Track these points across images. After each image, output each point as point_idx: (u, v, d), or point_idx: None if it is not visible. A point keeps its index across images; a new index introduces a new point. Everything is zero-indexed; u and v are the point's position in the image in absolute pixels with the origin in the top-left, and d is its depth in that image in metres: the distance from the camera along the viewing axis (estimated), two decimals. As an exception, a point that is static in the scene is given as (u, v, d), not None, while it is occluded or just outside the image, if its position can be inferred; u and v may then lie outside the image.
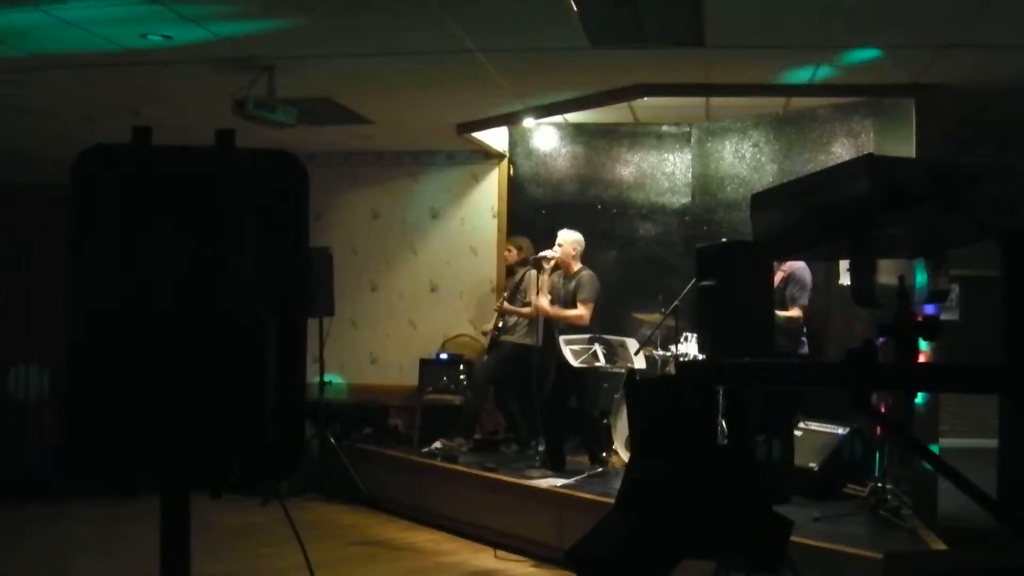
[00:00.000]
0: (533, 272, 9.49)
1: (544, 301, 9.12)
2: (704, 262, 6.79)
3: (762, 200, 3.02)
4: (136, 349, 2.36)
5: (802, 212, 2.77)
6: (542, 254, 9.18)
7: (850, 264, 2.63)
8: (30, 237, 11.33)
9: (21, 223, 11.36)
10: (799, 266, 8.24)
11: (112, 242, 2.34)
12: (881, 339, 2.51)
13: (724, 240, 7.95)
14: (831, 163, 9.64)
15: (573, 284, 9.13)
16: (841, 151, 9.60)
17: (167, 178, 2.38)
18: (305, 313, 2.45)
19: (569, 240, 9.22)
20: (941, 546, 6.39)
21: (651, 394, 3.24)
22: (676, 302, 8.30)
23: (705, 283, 6.73)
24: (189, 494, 2.53)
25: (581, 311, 8.99)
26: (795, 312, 8.14)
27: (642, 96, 8.67)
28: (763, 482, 3.12)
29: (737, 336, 6.46)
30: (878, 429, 7.37)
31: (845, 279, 9.37)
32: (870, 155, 2.56)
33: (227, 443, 2.42)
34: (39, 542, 8.55)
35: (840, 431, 8.06)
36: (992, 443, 5.56)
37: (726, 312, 6.39)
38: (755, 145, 10.35)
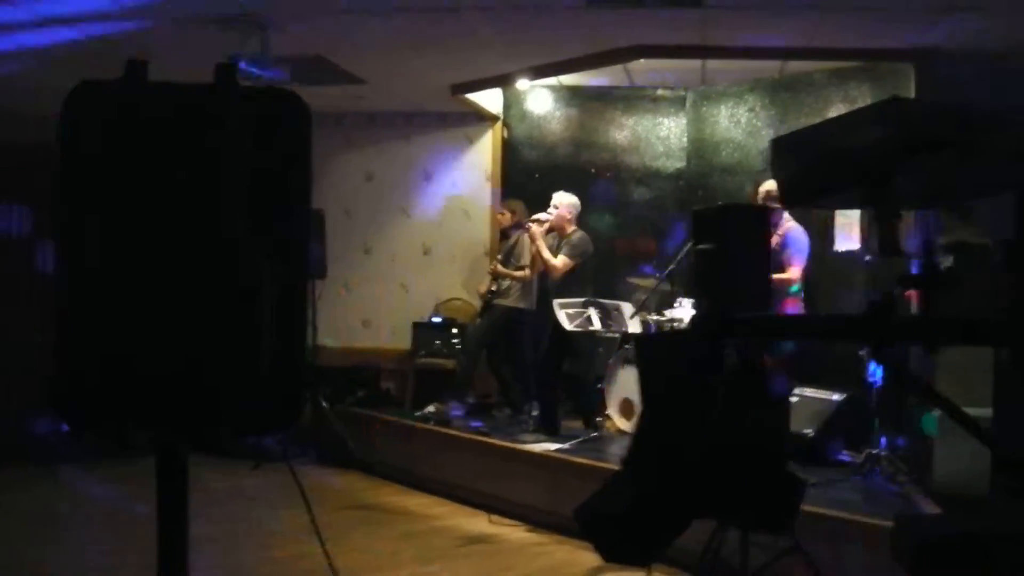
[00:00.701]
0: (526, 235, 9.40)
1: (546, 252, 9.00)
2: (701, 225, 6.70)
3: (783, 145, 2.90)
4: (128, 300, 2.24)
5: (825, 157, 2.66)
6: (536, 216, 9.11)
7: (872, 213, 2.53)
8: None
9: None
10: (796, 229, 8.17)
11: (101, 187, 2.21)
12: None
13: (721, 203, 7.87)
14: (827, 128, 9.59)
15: (564, 245, 9.04)
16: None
17: (161, 117, 2.25)
18: (307, 262, 2.34)
19: (565, 202, 9.14)
20: (935, 508, 6.36)
21: (661, 349, 3.18)
22: (671, 266, 8.21)
23: (702, 246, 6.66)
24: (187, 457, 2.43)
25: (557, 261, 8.93)
26: (791, 275, 8.05)
27: (638, 58, 8.61)
28: (779, 440, 3.04)
29: (735, 300, 6.39)
30: (873, 394, 7.33)
31: (841, 245, 9.33)
32: (895, 98, 2.46)
33: (224, 396, 2.32)
34: (37, 504, 8.46)
35: (835, 397, 8.00)
36: (986, 412, 5.55)
37: (723, 275, 6.33)
38: (751, 110, 10.28)
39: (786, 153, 2.85)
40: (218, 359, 2.26)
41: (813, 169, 2.67)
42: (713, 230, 6.51)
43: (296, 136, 2.28)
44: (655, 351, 3.16)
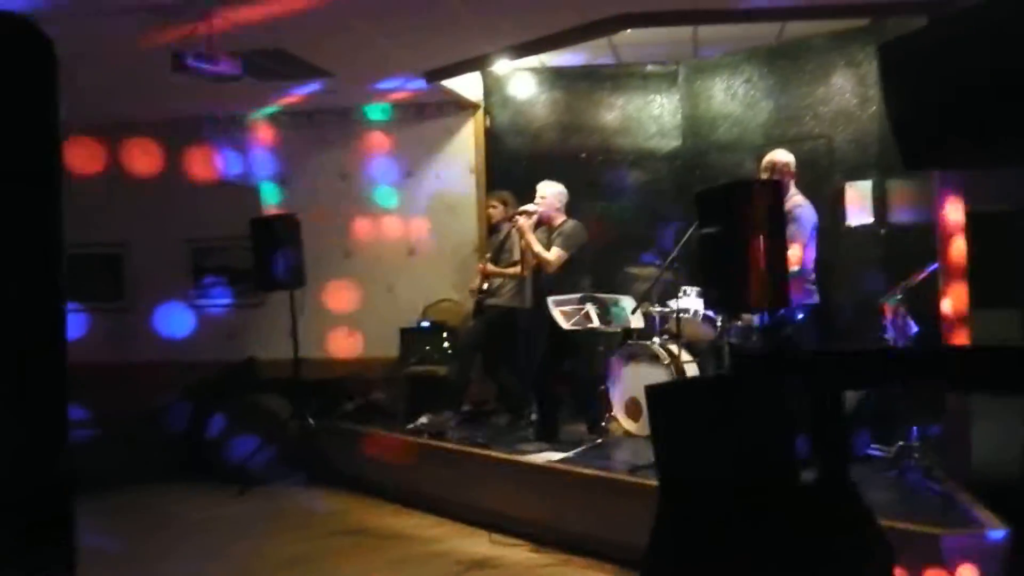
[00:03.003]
0: (515, 230, 8.75)
1: (537, 246, 8.34)
2: (706, 206, 6.11)
3: (903, 60, 1.88)
4: None
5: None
6: (524, 208, 8.47)
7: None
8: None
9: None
10: (803, 205, 7.45)
11: None
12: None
13: (726, 181, 7.21)
14: (832, 97, 9.02)
15: (555, 236, 8.40)
16: (842, 82, 8.97)
17: None
18: (64, 307, 1.60)
19: (552, 192, 8.54)
20: (982, 509, 5.71)
21: (690, 402, 2.42)
22: (674, 253, 7.54)
23: (708, 230, 6.04)
24: None
25: (550, 254, 8.33)
26: (795, 250, 7.19)
27: (624, 28, 7.92)
28: (873, 525, 2.35)
29: (749, 288, 5.78)
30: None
31: (853, 219, 8.75)
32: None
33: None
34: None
35: (854, 389, 7.36)
36: None
37: (733, 261, 5.72)
38: (747, 81, 9.69)
39: (912, 79, 1.90)
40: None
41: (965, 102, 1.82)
42: (719, 211, 5.91)
43: (30, 85, 1.52)
44: (680, 405, 2.42)
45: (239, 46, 7.29)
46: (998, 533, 5.25)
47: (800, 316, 7.13)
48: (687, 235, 7.20)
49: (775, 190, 5.92)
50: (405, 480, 8.79)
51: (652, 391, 2.68)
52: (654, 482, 6.48)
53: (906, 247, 8.04)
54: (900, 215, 8.36)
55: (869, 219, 8.70)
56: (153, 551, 7.52)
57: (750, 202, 5.66)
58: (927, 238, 7.39)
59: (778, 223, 5.76)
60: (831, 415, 2.06)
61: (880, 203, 8.65)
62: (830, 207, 8.56)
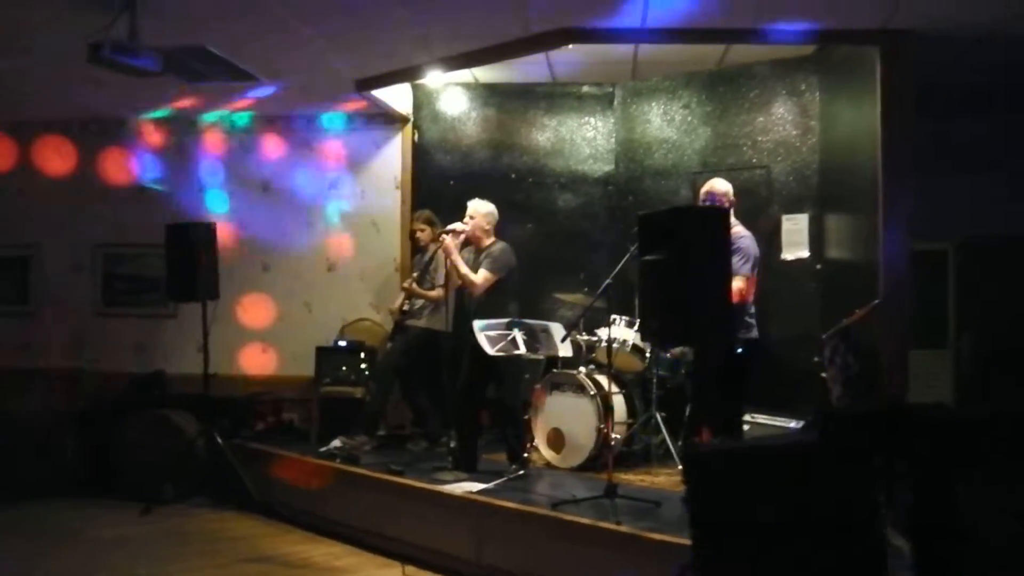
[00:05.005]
0: (441, 250, 8.40)
1: (464, 267, 7.97)
2: (649, 232, 5.83)
3: None
4: None
5: None
6: (451, 227, 8.11)
7: None
8: None
9: None
10: (744, 235, 7.20)
11: None
12: None
13: (672, 206, 6.99)
14: (772, 126, 8.86)
15: (483, 258, 8.06)
16: (783, 111, 8.81)
17: None
18: None
19: (482, 211, 8.17)
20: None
21: (752, 478, 2.07)
22: (608, 280, 7.21)
23: (650, 256, 5.77)
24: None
25: (477, 276, 7.93)
26: (738, 283, 6.94)
27: (566, 43, 7.64)
28: None
29: (692, 319, 5.52)
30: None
31: (788, 253, 8.63)
32: None
33: None
34: None
35: (793, 425, 7.16)
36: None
37: (679, 290, 5.45)
38: (685, 106, 9.52)
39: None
40: None
41: None
42: (664, 236, 5.64)
43: None
44: (731, 476, 2.07)
45: (161, 40, 6.91)
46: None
47: (740, 350, 6.88)
48: (623, 261, 6.90)
49: (723, 217, 5.69)
50: (316, 506, 8.43)
51: (692, 456, 2.32)
52: (577, 518, 6.21)
53: (843, 283, 7.87)
54: (838, 250, 8.20)
55: (805, 253, 8.56)
56: (55, 572, 7.13)
57: (698, 228, 5.41)
58: (865, 274, 7.19)
59: (725, 252, 5.53)
60: (948, 499, 1.76)
61: (817, 237, 8.50)
62: (766, 239, 8.37)
